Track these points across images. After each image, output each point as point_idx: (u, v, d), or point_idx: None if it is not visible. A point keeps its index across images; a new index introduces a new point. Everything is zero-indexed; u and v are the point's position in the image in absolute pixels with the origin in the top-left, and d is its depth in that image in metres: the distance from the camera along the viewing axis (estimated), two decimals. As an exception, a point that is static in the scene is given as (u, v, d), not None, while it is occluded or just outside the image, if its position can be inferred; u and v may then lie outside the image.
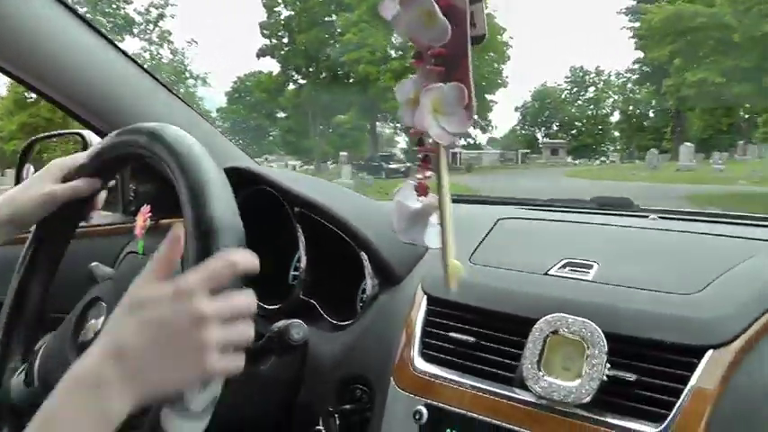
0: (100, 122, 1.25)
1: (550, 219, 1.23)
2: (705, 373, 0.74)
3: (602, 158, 44.91)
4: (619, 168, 30.37)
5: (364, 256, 1.06)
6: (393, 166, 31.15)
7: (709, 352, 0.75)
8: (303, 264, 1.13)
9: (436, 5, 0.59)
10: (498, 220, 1.16)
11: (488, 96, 39.68)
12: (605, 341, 0.77)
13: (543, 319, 0.82)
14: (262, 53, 38.68)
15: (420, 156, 0.64)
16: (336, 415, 0.97)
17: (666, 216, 1.24)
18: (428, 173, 0.65)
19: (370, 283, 1.07)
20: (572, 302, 0.84)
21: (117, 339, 0.56)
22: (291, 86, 40.62)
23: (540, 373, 0.79)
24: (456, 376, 0.87)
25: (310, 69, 38.80)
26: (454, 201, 1.29)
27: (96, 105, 1.22)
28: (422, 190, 0.67)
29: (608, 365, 0.77)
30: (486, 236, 1.10)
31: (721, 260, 0.91)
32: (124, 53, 1.22)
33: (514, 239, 1.11)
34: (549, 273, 0.94)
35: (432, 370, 0.89)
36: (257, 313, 1.11)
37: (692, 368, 0.75)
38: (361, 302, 1.09)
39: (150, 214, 0.97)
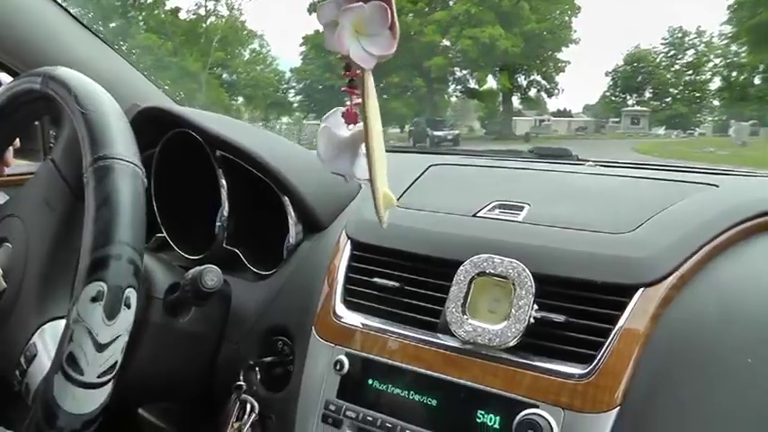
0: (11, 60, 1.16)
1: (485, 165, 1.19)
2: (635, 313, 0.71)
3: (691, 130, 39.94)
4: (700, 143, 24.56)
5: (287, 201, 1.00)
6: (439, 132, 27.70)
7: (640, 290, 0.72)
8: (226, 211, 1.06)
9: None
10: (430, 166, 1.11)
11: (557, 55, 36.04)
12: (533, 282, 0.73)
13: (469, 260, 0.77)
14: (312, 8, 35.92)
15: (347, 81, 0.59)
16: (257, 368, 0.92)
17: (605, 164, 1.22)
18: (357, 99, 0.60)
19: (293, 231, 1.01)
20: (500, 243, 0.80)
21: None
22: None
23: (465, 317, 0.75)
24: (379, 323, 0.83)
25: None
26: (388, 151, 1.21)
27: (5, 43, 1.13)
28: (350, 117, 0.62)
29: (535, 307, 0.73)
30: (414, 181, 1.05)
31: (657, 201, 0.88)
32: None
33: (444, 184, 1.06)
34: (477, 215, 0.89)
35: (354, 319, 0.85)
36: (179, 264, 1.06)
37: (622, 308, 0.72)
38: (286, 251, 1.03)
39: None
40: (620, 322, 0.71)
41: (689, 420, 0.67)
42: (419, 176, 1.07)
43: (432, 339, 0.78)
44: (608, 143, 27.28)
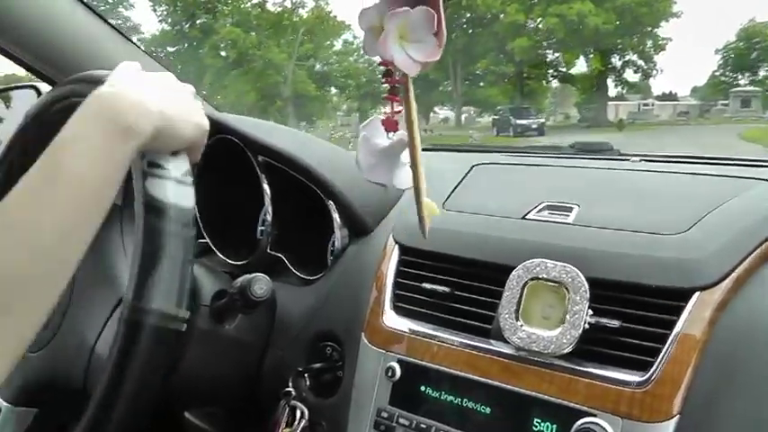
0: (51, 70, 1.17)
1: (528, 163, 1.17)
2: (691, 318, 0.69)
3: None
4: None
5: (332, 205, 1.00)
6: (522, 121, 26.72)
7: (696, 294, 0.70)
8: (269, 216, 1.06)
9: None
10: (473, 166, 1.10)
11: (656, 31, 32.98)
12: (587, 286, 0.72)
13: (522, 265, 0.76)
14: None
15: (388, 88, 0.59)
16: (306, 374, 0.92)
17: (649, 159, 1.19)
18: (398, 107, 0.60)
19: (338, 235, 1.01)
20: (552, 246, 0.79)
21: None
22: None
23: (519, 323, 0.74)
24: (430, 329, 0.82)
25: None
26: (425, 149, 1.21)
27: (44, 51, 1.14)
28: (390, 125, 0.61)
29: (590, 312, 0.72)
30: (460, 182, 1.04)
31: (707, 199, 0.85)
32: None
33: (490, 184, 1.05)
34: (527, 217, 0.88)
35: (404, 324, 0.84)
36: (224, 270, 1.07)
37: (678, 312, 0.70)
38: (331, 256, 1.03)
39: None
40: (677, 328, 0.69)
41: (750, 430, 0.65)
42: (464, 177, 1.06)
43: (485, 346, 0.77)
44: (711, 129, 25.29)
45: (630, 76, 35.77)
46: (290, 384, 0.92)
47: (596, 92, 34.53)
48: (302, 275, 1.04)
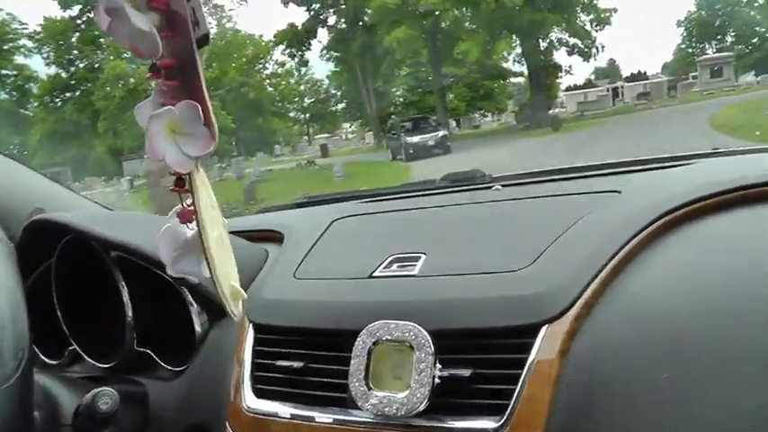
0: None
1: (387, 210, 1.17)
2: (541, 352, 0.69)
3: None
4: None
5: (186, 292, 0.97)
6: (415, 139, 19.62)
7: (544, 328, 0.70)
8: (130, 313, 1.02)
9: (141, 17, 0.52)
10: (333, 221, 1.09)
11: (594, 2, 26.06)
12: (431, 341, 0.71)
13: (365, 329, 0.75)
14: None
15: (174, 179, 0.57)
16: None
17: (510, 183, 1.22)
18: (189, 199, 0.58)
19: (197, 321, 0.98)
20: (396, 305, 0.78)
21: None
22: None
23: (369, 390, 0.73)
24: (291, 409, 0.80)
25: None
26: (291, 206, 1.19)
27: None
28: (184, 217, 0.59)
29: (439, 366, 0.71)
30: (315, 243, 1.03)
31: (558, 223, 0.87)
32: None
33: (344, 241, 1.04)
34: (374, 275, 0.87)
35: (264, 407, 0.81)
36: (89, 375, 1.02)
37: (528, 349, 0.70)
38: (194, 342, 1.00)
39: None
40: (528, 365, 0.69)
41: None
42: (320, 236, 1.05)
43: (344, 417, 0.75)
44: (673, 114, 19.77)
45: (566, 59, 30.39)
46: None
47: (532, 84, 28.31)
48: (171, 367, 1.00)
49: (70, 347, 1.10)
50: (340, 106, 39.58)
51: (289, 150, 36.07)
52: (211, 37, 0.56)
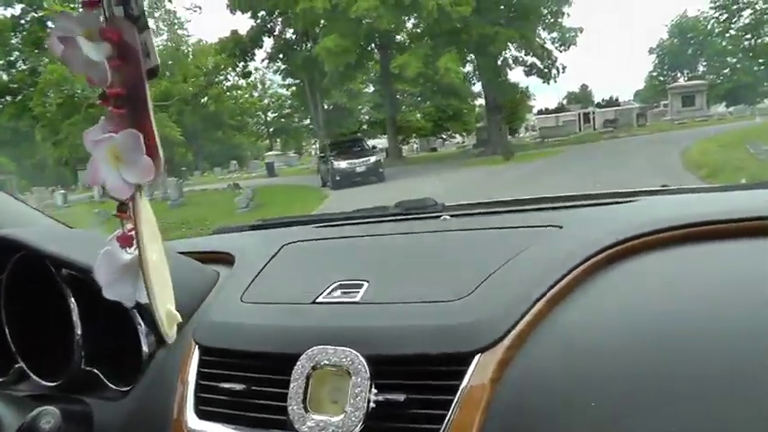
0: None
1: (337, 236, 1.20)
2: (474, 380, 0.72)
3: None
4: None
5: (134, 311, 0.98)
6: (342, 164, 17.34)
7: (477, 357, 0.74)
8: (79, 331, 1.03)
9: (92, 47, 0.54)
10: (283, 245, 1.12)
11: (560, 20, 23.72)
12: (367, 367, 0.74)
13: (304, 354, 0.78)
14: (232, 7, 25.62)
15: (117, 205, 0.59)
16: None
17: (459, 213, 1.25)
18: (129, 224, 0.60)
19: (145, 341, 0.98)
20: (336, 330, 0.81)
21: None
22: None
23: (307, 413, 0.75)
24: (231, 430, 0.81)
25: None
26: (246, 228, 1.20)
27: None
28: (124, 241, 0.61)
29: (375, 391, 0.74)
30: (263, 267, 1.05)
31: (499, 255, 0.90)
32: None
33: (293, 266, 1.07)
34: (317, 300, 0.90)
35: (206, 428, 0.83)
36: (34, 394, 1.01)
37: (461, 377, 0.73)
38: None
39: None
40: (459, 392, 0.72)
41: None
42: (269, 260, 1.07)
43: None
44: (641, 145, 18.03)
45: (524, 79, 28.98)
46: None
47: (487, 105, 26.05)
48: (117, 387, 1.00)
49: (16, 365, 1.10)
50: (306, 122, 37.68)
51: (244, 168, 35.17)
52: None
